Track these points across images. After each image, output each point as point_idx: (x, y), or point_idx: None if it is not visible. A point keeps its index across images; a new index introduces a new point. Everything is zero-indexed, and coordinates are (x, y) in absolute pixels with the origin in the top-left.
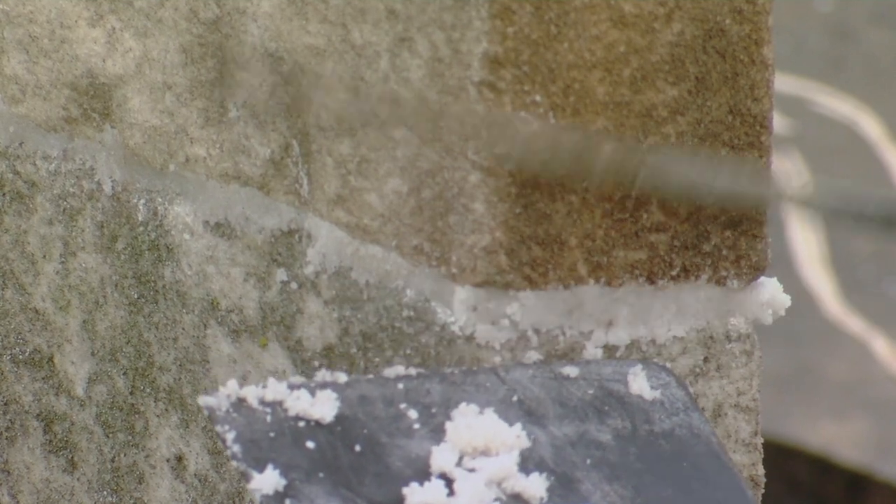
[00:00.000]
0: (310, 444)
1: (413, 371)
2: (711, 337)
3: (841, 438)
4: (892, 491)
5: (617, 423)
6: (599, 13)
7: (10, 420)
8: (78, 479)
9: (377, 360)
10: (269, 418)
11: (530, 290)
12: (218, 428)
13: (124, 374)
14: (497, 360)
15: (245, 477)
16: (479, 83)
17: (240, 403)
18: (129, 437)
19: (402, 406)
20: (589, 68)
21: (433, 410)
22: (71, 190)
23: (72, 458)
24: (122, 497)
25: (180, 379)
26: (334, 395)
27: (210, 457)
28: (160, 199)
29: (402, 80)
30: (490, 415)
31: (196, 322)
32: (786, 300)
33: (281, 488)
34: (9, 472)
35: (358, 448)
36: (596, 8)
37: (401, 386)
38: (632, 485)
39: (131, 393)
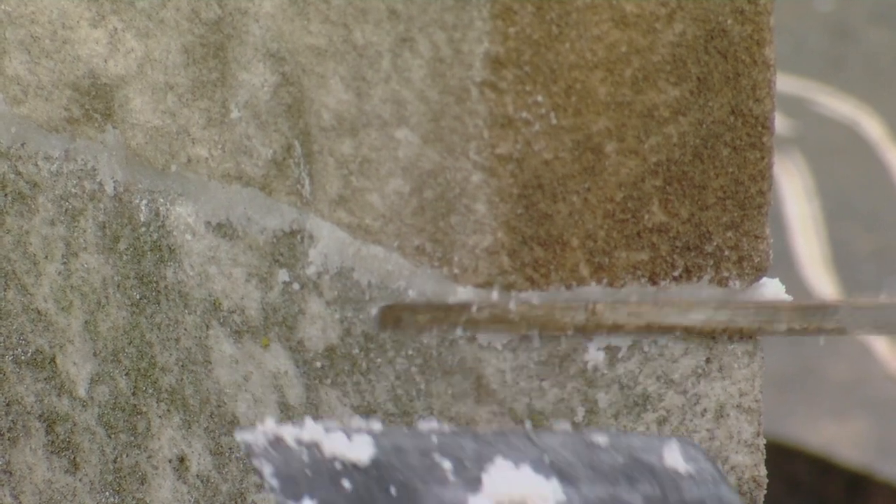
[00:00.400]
0: (346, 484)
1: (447, 427)
2: (714, 338)
3: (841, 438)
4: (892, 491)
5: (647, 489)
6: (601, 13)
7: (13, 421)
8: (80, 480)
9: (379, 360)
10: (305, 457)
11: (532, 291)
12: (255, 462)
13: (126, 374)
14: (499, 360)
15: None
16: (480, 83)
17: (277, 441)
18: (132, 438)
19: (437, 457)
20: (590, 68)
21: (467, 464)
22: (73, 190)
23: (74, 458)
24: (124, 498)
25: (182, 379)
26: (370, 439)
27: (212, 457)
28: (162, 200)
29: (404, 80)
30: (526, 469)
31: (198, 323)
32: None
33: None
34: (11, 473)
35: (393, 491)
36: (597, 8)
37: (434, 439)
38: None
39: (133, 393)
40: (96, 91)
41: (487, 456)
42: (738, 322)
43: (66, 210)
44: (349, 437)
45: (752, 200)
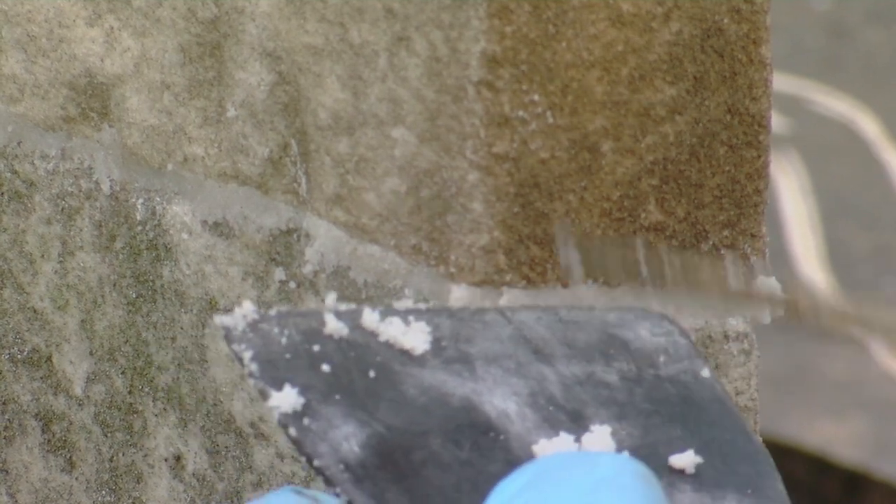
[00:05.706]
0: (325, 368)
1: (422, 306)
2: (710, 336)
3: (839, 437)
4: (890, 490)
5: (622, 366)
6: (598, 12)
7: (9, 419)
8: (76, 479)
9: None
10: (284, 340)
11: (527, 290)
12: (234, 347)
13: (122, 373)
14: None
15: (263, 395)
16: (477, 82)
17: (255, 324)
18: (128, 437)
19: None
20: (587, 67)
21: (443, 343)
22: (69, 189)
23: (70, 457)
24: (120, 496)
25: (178, 378)
26: (342, 323)
27: (208, 456)
28: (158, 199)
29: (400, 79)
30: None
31: (194, 321)
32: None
33: (299, 407)
34: (7, 472)
35: (372, 374)
36: (594, 7)
37: (411, 318)
38: (640, 424)
39: (129, 392)
40: (93, 90)
41: (463, 335)
42: None
43: (62, 209)
44: (324, 318)
45: (748, 199)
